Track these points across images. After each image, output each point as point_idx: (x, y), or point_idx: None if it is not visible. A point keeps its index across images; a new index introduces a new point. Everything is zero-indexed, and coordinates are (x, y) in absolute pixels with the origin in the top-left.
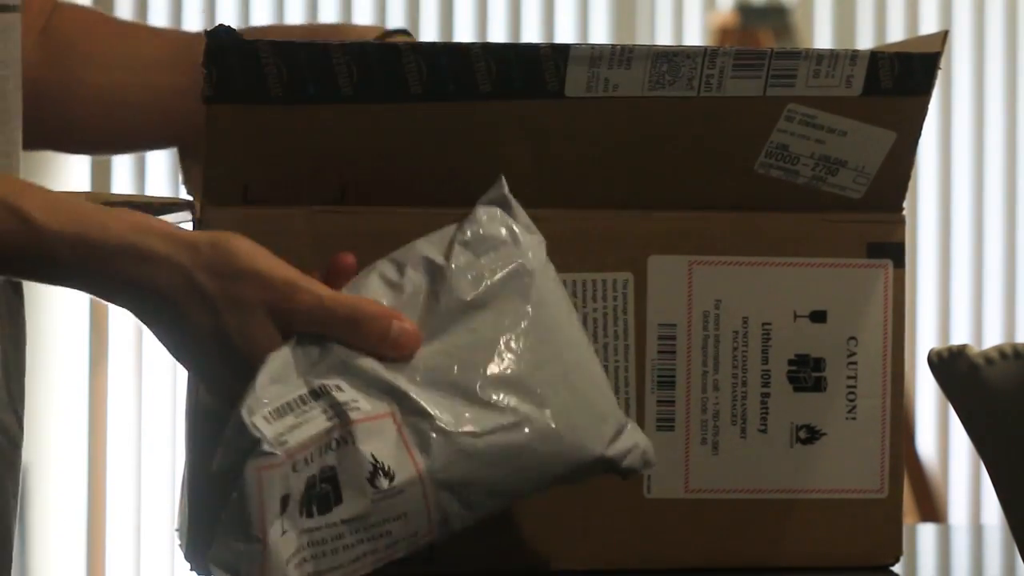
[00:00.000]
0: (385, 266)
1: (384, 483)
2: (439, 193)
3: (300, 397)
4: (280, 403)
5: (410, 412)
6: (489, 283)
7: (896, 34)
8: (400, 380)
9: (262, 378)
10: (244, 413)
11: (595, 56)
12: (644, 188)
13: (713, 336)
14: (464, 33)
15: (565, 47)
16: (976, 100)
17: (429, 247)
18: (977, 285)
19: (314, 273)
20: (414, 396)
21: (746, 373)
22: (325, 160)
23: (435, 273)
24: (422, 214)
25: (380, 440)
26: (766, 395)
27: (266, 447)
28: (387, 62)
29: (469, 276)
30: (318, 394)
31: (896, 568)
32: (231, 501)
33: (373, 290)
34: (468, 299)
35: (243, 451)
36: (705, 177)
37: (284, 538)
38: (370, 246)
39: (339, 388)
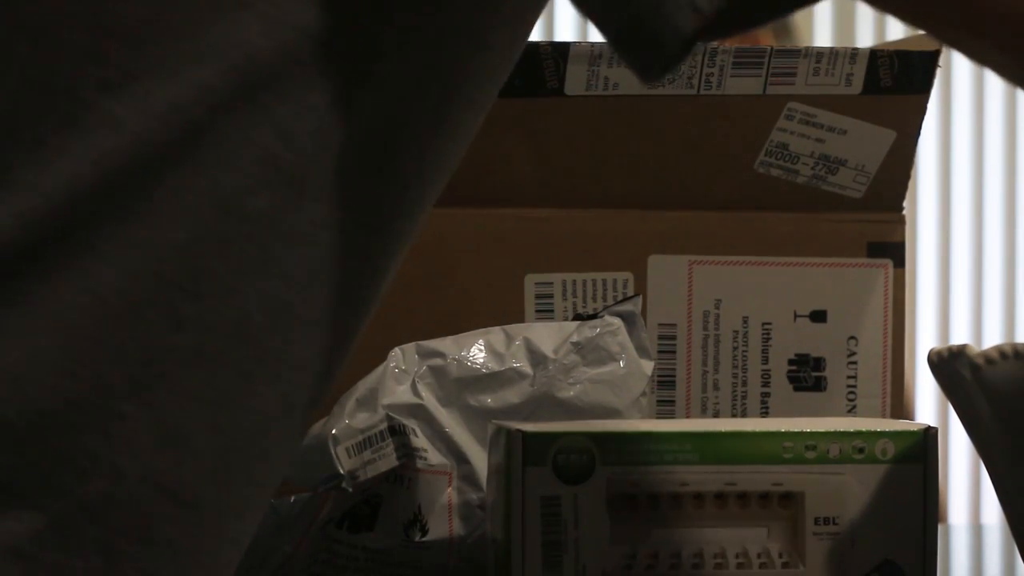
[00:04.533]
0: (495, 333)
1: (417, 535)
2: None
3: (380, 433)
4: (362, 437)
5: (464, 478)
6: (582, 392)
7: (896, 33)
8: (469, 445)
9: (351, 402)
10: (330, 442)
11: (595, 54)
12: (644, 187)
13: (713, 336)
14: None
15: (565, 45)
16: (976, 99)
17: (543, 335)
18: (977, 285)
19: None
20: (474, 465)
21: (746, 373)
22: None
23: (539, 361)
24: None
25: (431, 494)
26: (766, 395)
27: (344, 484)
28: None
29: (569, 378)
30: (395, 431)
31: None
32: (282, 503)
33: (475, 350)
34: (559, 397)
35: (318, 478)
36: (705, 176)
37: (311, 541)
38: None
39: (414, 433)
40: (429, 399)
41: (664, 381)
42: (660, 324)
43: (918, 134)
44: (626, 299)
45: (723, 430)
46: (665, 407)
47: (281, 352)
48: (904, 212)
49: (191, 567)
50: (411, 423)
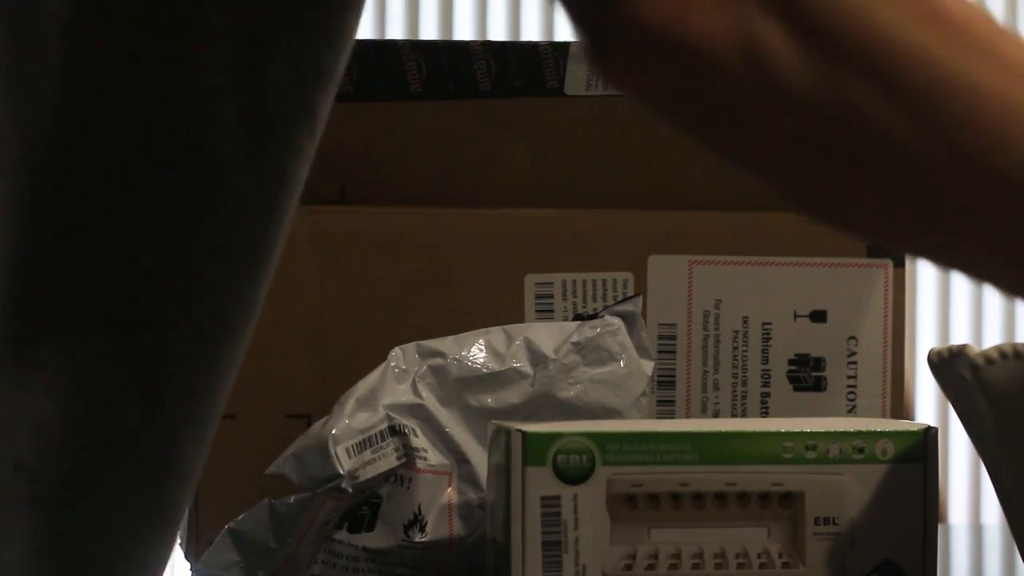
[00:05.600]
0: (495, 333)
1: (417, 535)
2: (439, 192)
3: (380, 433)
4: (362, 437)
5: (464, 478)
6: (582, 393)
7: None
8: (470, 445)
9: (351, 402)
10: (330, 442)
11: None
12: (644, 187)
13: (713, 336)
14: (464, 31)
15: (565, 45)
16: None
17: (543, 334)
18: (977, 285)
19: None
20: (474, 465)
21: (746, 373)
22: (325, 159)
23: (539, 361)
24: (422, 214)
25: (431, 494)
26: (766, 395)
27: (344, 484)
28: (387, 61)
29: (569, 378)
30: (395, 431)
31: None
32: (282, 503)
33: (475, 350)
34: (560, 397)
35: (318, 478)
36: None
37: (311, 542)
38: (370, 246)
39: (414, 433)
40: (429, 399)
41: (664, 381)
42: (660, 324)
43: None
44: (626, 299)
45: (723, 430)
46: (665, 407)
47: (193, 279)
48: None
49: (141, 507)
50: (411, 423)
